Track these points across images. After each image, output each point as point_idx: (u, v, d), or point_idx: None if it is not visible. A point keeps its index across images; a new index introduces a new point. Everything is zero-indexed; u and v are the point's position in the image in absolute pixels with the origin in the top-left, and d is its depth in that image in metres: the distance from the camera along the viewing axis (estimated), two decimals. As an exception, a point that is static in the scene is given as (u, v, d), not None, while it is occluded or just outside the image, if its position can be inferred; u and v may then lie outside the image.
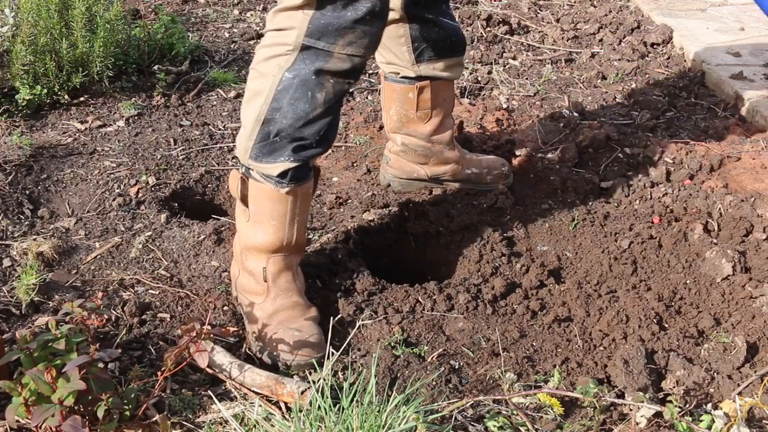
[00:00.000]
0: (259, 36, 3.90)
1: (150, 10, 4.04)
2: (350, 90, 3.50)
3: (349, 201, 2.72)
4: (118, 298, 2.23)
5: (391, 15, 2.42)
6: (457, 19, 2.68)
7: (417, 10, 2.44)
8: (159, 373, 1.81)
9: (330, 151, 3.03)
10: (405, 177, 2.73)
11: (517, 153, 2.94)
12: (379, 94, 3.44)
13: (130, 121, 3.15)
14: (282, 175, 2.02)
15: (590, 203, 2.69)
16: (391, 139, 2.69)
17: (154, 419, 1.77)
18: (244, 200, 2.11)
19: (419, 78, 2.52)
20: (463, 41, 2.56)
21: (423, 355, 2.04)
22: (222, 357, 1.97)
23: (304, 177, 2.07)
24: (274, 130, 1.99)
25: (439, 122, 2.62)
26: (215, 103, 3.35)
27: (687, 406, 1.89)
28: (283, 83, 1.96)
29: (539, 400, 1.87)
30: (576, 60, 3.80)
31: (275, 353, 2.02)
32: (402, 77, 2.54)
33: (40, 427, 1.65)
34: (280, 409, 1.87)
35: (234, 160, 2.93)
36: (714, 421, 1.81)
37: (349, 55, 1.95)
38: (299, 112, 1.97)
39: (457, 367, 2.02)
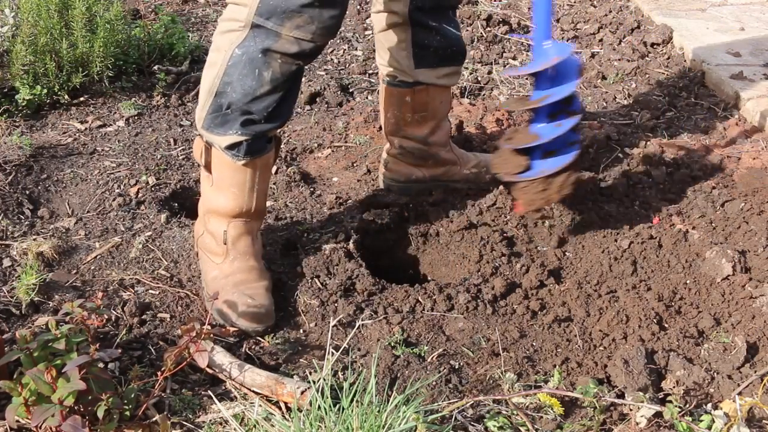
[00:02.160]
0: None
1: (150, 10, 4.04)
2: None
3: (349, 201, 2.72)
4: (118, 298, 2.23)
5: (394, 19, 2.45)
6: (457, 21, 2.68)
7: (420, 17, 2.44)
8: (159, 373, 1.81)
9: (330, 150, 3.03)
10: (403, 180, 2.72)
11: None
12: (379, 94, 3.44)
13: (130, 121, 3.15)
14: (231, 147, 2.10)
15: (590, 203, 2.69)
16: (389, 141, 2.69)
17: (154, 419, 1.77)
18: (208, 167, 2.20)
19: (416, 83, 2.53)
20: (464, 51, 2.57)
21: (423, 355, 2.04)
22: (222, 357, 1.97)
23: (261, 150, 2.14)
24: (225, 103, 2.07)
25: (435, 125, 2.63)
26: (215, 103, 3.35)
27: (687, 406, 1.89)
28: (233, 59, 2.03)
29: (539, 400, 1.87)
30: (576, 60, 3.80)
31: (225, 313, 2.12)
32: (399, 81, 2.55)
33: (40, 427, 1.65)
34: (280, 409, 1.86)
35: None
36: (714, 421, 1.81)
37: (297, 39, 1.98)
38: (247, 88, 2.04)
39: (457, 367, 2.02)
